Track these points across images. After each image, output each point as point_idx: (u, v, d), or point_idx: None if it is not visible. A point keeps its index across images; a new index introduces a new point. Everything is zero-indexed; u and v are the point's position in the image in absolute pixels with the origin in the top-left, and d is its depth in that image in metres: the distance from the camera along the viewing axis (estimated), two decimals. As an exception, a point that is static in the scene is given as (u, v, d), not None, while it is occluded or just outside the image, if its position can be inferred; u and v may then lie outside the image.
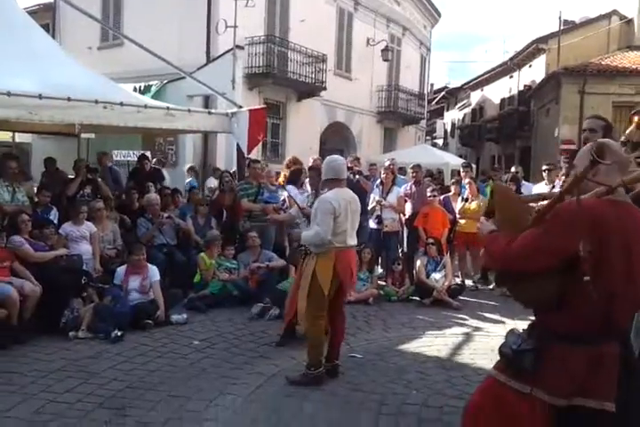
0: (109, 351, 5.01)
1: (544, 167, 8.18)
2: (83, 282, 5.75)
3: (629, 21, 22.10)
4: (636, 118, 3.88)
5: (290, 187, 8.03)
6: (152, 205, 7.46)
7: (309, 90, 16.02)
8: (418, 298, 7.39)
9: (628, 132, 3.85)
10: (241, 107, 8.31)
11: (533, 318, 2.37)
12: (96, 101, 6.30)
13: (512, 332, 2.33)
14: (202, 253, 7.01)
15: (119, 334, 5.26)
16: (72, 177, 8.09)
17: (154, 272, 6.12)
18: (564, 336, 2.14)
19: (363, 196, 8.72)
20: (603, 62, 19.61)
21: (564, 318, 2.15)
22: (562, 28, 23.08)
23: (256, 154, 10.46)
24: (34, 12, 15.11)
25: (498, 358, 2.37)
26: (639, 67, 18.76)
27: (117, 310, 5.57)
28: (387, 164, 9.07)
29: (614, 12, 23.29)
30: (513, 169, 9.65)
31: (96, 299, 5.79)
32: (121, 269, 6.11)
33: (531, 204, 2.84)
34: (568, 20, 25.27)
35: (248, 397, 4.16)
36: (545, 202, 3.26)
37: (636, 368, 2.57)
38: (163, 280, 6.34)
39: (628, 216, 2.16)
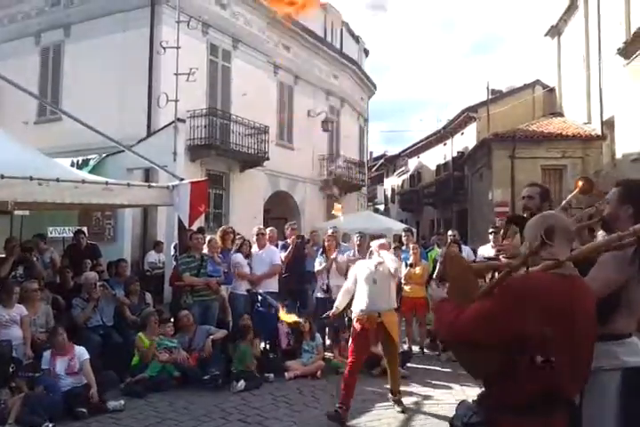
0: (39, 446, 4.65)
1: (490, 230, 8.46)
2: (11, 371, 5.37)
3: (552, 90, 23.74)
4: (580, 183, 4.09)
5: (237, 255, 8.06)
6: (90, 283, 7.16)
7: (252, 160, 16.21)
8: (365, 368, 7.25)
9: (571, 195, 4.03)
10: (182, 179, 8.28)
11: (482, 386, 2.34)
12: (31, 178, 6.13)
13: (462, 404, 2.28)
14: (140, 333, 6.70)
15: (51, 426, 4.87)
16: (2, 256, 7.73)
17: (81, 351, 5.81)
18: (513, 407, 2.09)
19: (304, 261, 8.77)
20: (530, 128, 20.76)
21: (512, 389, 2.11)
22: (490, 97, 24.60)
23: (198, 224, 10.35)
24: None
25: (448, 427, 2.32)
26: (563, 132, 19.93)
27: (48, 400, 5.19)
28: (330, 231, 9.16)
29: (537, 82, 25.11)
30: (450, 232, 9.90)
31: (26, 389, 5.37)
32: (47, 353, 5.76)
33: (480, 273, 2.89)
34: (495, 89, 26.98)
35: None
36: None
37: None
38: (99, 364, 6.00)
39: (574, 291, 2.17)
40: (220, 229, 9.13)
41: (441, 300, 2.42)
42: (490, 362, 2.15)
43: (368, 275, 5.68)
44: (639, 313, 2.78)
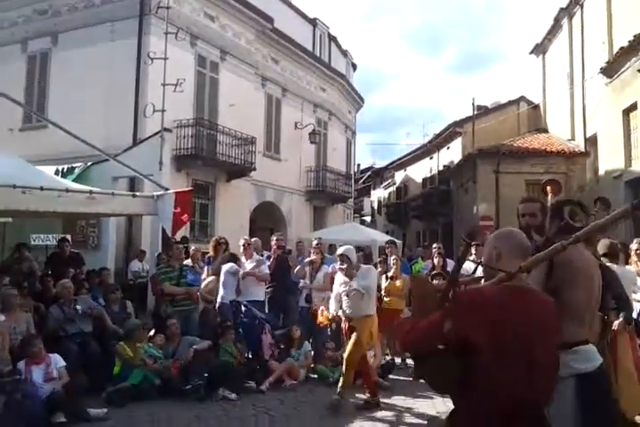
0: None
1: (473, 243, 8.50)
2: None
3: (536, 106, 24.05)
4: (549, 188, 4.14)
5: (230, 264, 8.04)
6: (65, 288, 7.01)
7: (239, 171, 16.23)
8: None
9: (549, 203, 4.06)
10: (167, 189, 8.30)
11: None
12: (14, 186, 6.13)
13: (434, 420, 2.32)
14: (121, 342, 6.58)
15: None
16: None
17: (57, 359, 5.78)
18: (480, 420, 2.11)
19: (287, 272, 8.83)
20: (514, 144, 20.97)
21: (475, 402, 2.13)
22: (475, 112, 24.90)
23: (182, 234, 10.32)
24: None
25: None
26: (547, 148, 20.16)
27: (28, 409, 5.10)
28: (314, 243, 9.18)
29: (522, 98, 25.48)
30: (435, 245, 9.96)
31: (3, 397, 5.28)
32: (21, 364, 5.66)
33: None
34: (481, 105, 27.31)
35: None
36: None
37: None
38: (77, 372, 5.93)
39: (527, 302, 2.20)
40: (213, 238, 9.13)
41: (405, 318, 2.53)
42: (446, 371, 2.19)
43: (343, 289, 6.36)
44: (593, 320, 2.83)
